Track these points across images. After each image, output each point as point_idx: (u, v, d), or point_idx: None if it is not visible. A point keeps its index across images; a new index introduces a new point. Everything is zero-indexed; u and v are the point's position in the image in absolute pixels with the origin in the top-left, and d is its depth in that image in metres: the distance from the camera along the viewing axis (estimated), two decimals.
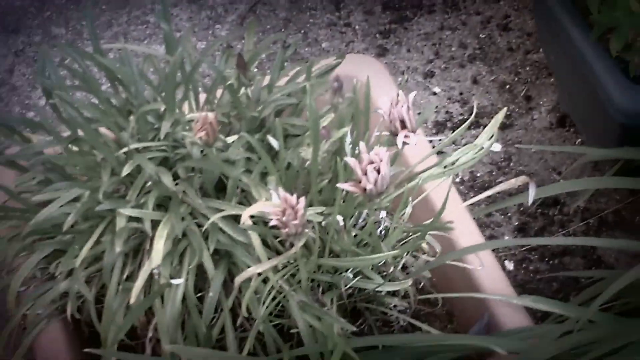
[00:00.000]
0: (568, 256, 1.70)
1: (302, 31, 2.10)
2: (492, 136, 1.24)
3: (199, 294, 1.27)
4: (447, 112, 1.91)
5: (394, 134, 1.12)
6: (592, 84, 1.58)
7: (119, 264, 1.27)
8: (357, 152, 1.20)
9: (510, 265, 1.68)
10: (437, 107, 1.93)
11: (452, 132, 1.83)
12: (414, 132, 1.12)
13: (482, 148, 1.24)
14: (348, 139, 1.24)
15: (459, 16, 2.11)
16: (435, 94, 1.96)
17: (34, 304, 1.31)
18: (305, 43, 2.06)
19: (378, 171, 1.07)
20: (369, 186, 1.07)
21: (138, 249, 1.29)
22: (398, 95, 1.12)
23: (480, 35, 2.07)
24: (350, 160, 1.08)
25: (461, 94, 1.95)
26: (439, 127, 1.89)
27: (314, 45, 2.07)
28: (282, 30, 2.10)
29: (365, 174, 1.07)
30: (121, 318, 1.25)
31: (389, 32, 2.08)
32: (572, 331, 1.22)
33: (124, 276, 1.27)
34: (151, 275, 1.22)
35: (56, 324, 1.34)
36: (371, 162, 1.07)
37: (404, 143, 1.12)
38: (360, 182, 1.08)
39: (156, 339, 1.27)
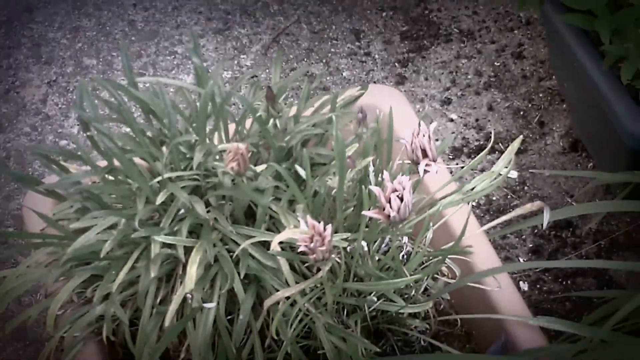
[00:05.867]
0: (580, 277, 1.68)
1: (324, 60, 2.07)
2: (509, 163, 1.23)
3: (229, 317, 1.26)
4: (463, 137, 1.90)
5: (416, 163, 1.13)
6: (603, 110, 1.56)
7: (153, 289, 1.26)
8: (380, 180, 1.20)
9: (524, 286, 1.67)
10: (453, 132, 1.91)
11: (468, 158, 1.83)
12: (434, 161, 1.12)
13: (500, 175, 1.23)
14: (371, 168, 1.24)
15: (474, 45, 2.08)
16: (452, 120, 1.94)
17: (71, 327, 1.30)
18: (327, 72, 2.03)
19: (401, 199, 1.07)
20: (393, 213, 1.07)
21: (171, 274, 1.29)
22: (420, 125, 1.12)
23: (495, 63, 2.04)
24: (374, 188, 1.09)
25: (477, 120, 1.93)
26: (456, 153, 1.87)
27: (336, 74, 2.04)
28: (305, 60, 2.07)
29: (389, 201, 1.07)
30: (155, 340, 1.24)
31: (407, 61, 2.06)
32: (586, 350, 1.20)
33: (158, 300, 1.27)
34: (184, 299, 1.22)
35: (92, 345, 1.33)
36: (394, 190, 1.07)
37: (425, 171, 1.12)
38: (384, 210, 1.08)
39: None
